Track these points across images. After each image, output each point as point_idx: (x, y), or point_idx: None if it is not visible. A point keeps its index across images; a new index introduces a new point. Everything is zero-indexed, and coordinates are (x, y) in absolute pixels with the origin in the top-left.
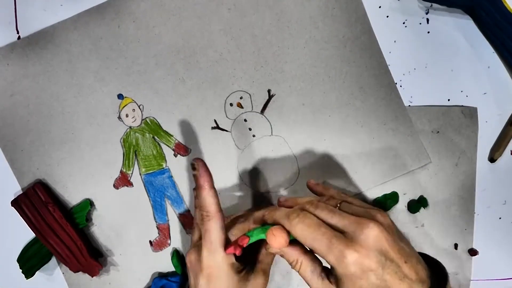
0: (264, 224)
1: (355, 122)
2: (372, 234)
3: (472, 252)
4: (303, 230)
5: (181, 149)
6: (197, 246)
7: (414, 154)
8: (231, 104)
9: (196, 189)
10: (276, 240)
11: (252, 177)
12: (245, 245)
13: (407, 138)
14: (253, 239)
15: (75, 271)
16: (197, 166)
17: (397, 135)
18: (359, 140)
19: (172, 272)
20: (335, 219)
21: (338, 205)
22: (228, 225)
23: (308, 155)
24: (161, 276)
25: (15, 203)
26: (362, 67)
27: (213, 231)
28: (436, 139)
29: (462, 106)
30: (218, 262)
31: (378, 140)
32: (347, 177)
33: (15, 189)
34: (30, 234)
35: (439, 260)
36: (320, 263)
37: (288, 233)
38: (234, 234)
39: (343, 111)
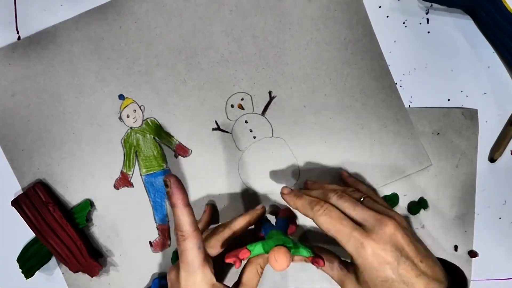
0: (267, 238)
1: (356, 124)
2: (389, 230)
3: (472, 254)
4: (327, 221)
5: (182, 150)
6: (177, 264)
7: (414, 157)
8: (232, 106)
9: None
10: (278, 264)
11: (253, 178)
12: (245, 259)
13: (408, 140)
14: (254, 254)
15: (75, 271)
16: (169, 183)
17: (397, 138)
18: (359, 142)
19: None
20: (356, 212)
21: (362, 199)
22: (207, 236)
23: (309, 157)
24: (161, 276)
25: (15, 203)
26: (363, 69)
27: (190, 251)
28: (436, 140)
29: (463, 107)
30: (197, 284)
31: (379, 143)
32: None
33: (16, 189)
34: (30, 234)
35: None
36: (336, 257)
37: (290, 255)
38: (211, 246)
39: (344, 113)
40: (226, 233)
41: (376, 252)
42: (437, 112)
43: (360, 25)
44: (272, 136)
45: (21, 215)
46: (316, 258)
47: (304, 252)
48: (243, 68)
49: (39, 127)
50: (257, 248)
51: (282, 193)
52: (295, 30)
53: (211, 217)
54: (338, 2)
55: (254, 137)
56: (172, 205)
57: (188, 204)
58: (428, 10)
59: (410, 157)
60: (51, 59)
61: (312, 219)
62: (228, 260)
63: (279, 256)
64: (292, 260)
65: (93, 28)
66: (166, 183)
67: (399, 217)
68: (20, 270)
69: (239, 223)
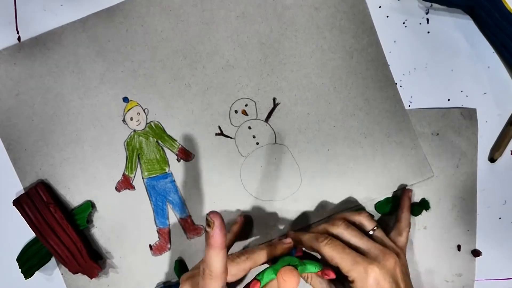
0: (273, 262)
1: (359, 133)
2: (389, 263)
3: (475, 253)
4: (331, 250)
5: (185, 154)
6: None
7: (417, 167)
8: (235, 111)
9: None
10: (288, 284)
11: (255, 184)
12: None
13: (410, 151)
14: (264, 282)
15: (74, 272)
16: (212, 225)
17: (400, 148)
18: (362, 151)
19: (176, 282)
20: (362, 241)
21: (375, 228)
22: (229, 262)
23: (311, 164)
24: (166, 285)
25: (17, 202)
26: (368, 79)
27: None
28: (436, 141)
29: (462, 107)
30: None
31: (382, 152)
32: (349, 188)
33: (17, 189)
34: (30, 234)
35: (443, 261)
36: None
37: (297, 273)
38: (232, 274)
39: (347, 122)
40: (248, 264)
41: (377, 279)
42: (436, 112)
43: (366, 34)
44: (275, 143)
45: (22, 215)
46: (325, 270)
47: (312, 268)
48: (247, 74)
49: (42, 127)
50: (266, 274)
51: (288, 235)
52: (301, 37)
53: (241, 229)
54: (345, 11)
55: (257, 143)
56: (209, 246)
57: (224, 247)
58: (428, 10)
59: (412, 168)
60: (56, 60)
61: (317, 249)
62: None
63: (287, 276)
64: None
65: (99, 30)
66: (208, 223)
67: (402, 255)
68: (20, 270)
69: (263, 256)
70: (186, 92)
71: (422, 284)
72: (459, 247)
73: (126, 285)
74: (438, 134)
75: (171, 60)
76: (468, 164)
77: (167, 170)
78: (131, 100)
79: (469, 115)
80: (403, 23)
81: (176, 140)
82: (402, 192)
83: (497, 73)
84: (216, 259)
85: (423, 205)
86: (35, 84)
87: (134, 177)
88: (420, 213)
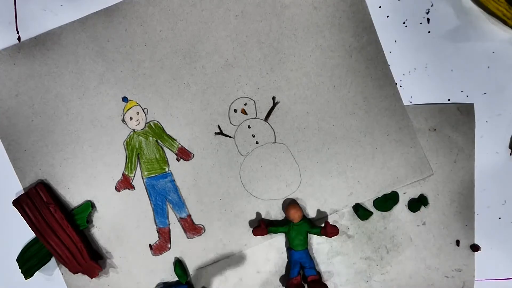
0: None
1: (359, 132)
2: None
3: (474, 247)
4: None
5: (184, 154)
6: None
7: (416, 166)
8: (235, 110)
9: None
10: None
11: (254, 183)
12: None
13: (410, 149)
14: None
15: (75, 272)
16: None
17: (400, 146)
18: (362, 149)
19: (176, 281)
20: None
21: None
22: None
23: (311, 163)
24: (166, 285)
25: (17, 202)
26: (367, 78)
27: None
28: (433, 137)
29: (458, 103)
30: None
31: (381, 151)
32: (348, 187)
33: (17, 189)
34: (30, 234)
35: (442, 257)
36: None
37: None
38: None
39: (347, 120)
40: None
41: None
42: (433, 108)
43: (365, 33)
44: (275, 141)
45: (22, 215)
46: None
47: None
48: (247, 73)
49: (42, 127)
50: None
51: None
52: (300, 36)
53: None
54: (344, 9)
55: (257, 142)
56: None
57: None
58: (428, 10)
59: (411, 166)
60: (56, 60)
61: None
62: None
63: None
64: None
65: (98, 30)
66: None
67: None
68: (20, 270)
69: None
70: (185, 91)
71: (422, 280)
72: (458, 242)
73: (126, 285)
74: (435, 129)
75: (170, 60)
76: (465, 160)
77: (166, 169)
78: (130, 100)
79: (466, 110)
80: (403, 23)
81: (175, 140)
82: None
83: (497, 73)
84: None
85: (422, 201)
86: (35, 84)
87: (134, 177)
88: (418, 209)
